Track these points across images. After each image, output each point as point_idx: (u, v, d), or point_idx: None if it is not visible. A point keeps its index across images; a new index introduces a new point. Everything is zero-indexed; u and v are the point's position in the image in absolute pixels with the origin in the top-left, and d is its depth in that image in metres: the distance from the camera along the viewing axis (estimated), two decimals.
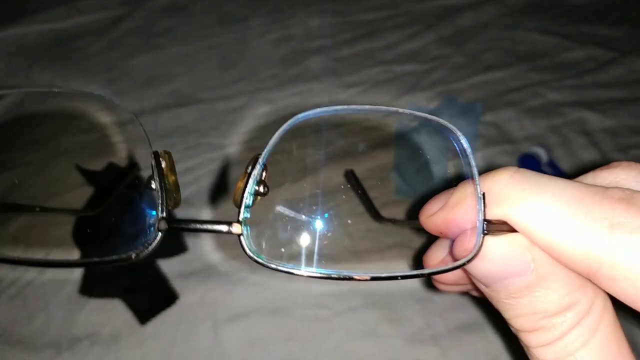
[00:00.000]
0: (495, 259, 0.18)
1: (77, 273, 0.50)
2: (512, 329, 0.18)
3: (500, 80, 0.68)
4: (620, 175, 0.18)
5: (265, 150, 0.19)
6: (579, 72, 0.68)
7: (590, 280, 0.17)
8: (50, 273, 0.51)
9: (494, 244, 0.18)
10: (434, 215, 0.20)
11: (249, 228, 0.19)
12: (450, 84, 0.67)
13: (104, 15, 0.80)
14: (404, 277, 0.18)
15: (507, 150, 0.61)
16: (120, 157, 0.57)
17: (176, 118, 0.66)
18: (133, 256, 0.18)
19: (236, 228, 0.18)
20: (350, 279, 0.18)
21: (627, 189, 0.16)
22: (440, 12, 0.78)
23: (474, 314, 0.45)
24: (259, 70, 0.71)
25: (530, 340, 0.18)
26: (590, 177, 0.19)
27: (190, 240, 0.52)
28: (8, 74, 0.73)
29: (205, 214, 0.55)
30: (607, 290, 0.17)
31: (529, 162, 0.59)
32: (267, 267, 0.18)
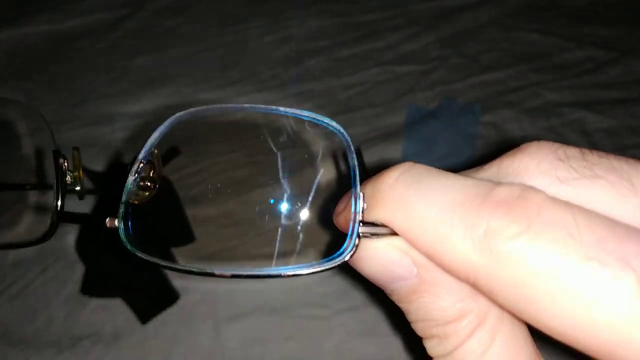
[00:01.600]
0: (373, 262, 0.17)
1: (79, 273, 0.50)
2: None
3: (499, 81, 0.68)
4: (523, 162, 0.17)
5: (144, 149, 0.20)
6: (578, 73, 0.68)
7: None
8: (52, 272, 0.51)
9: (372, 246, 0.17)
10: (339, 215, 0.20)
11: (129, 222, 0.20)
12: (449, 84, 0.68)
13: (105, 16, 0.80)
14: (267, 276, 0.18)
15: (506, 150, 0.61)
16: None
17: None
18: (33, 241, 0.21)
19: (111, 222, 0.19)
20: (212, 275, 0.18)
21: (519, 184, 0.15)
22: (439, 13, 0.78)
23: None
24: (260, 70, 0.72)
25: (429, 349, 0.17)
26: (495, 165, 0.18)
27: (195, 232, 0.52)
28: (9, 75, 0.73)
29: (212, 211, 0.55)
30: (489, 300, 0.16)
31: None
32: (138, 257, 0.19)
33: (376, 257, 0.17)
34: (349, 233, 0.18)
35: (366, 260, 0.18)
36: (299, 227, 0.25)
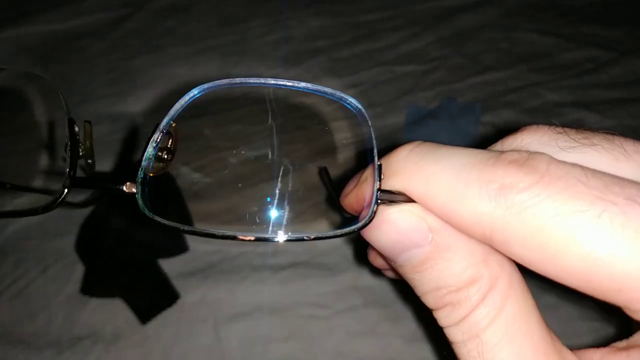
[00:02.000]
0: (390, 228, 0.18)
1: (79, 272, 0.50)
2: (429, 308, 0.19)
3: (499, 81, 0.68)
4: (525, 139, 0.19)
5: (166, 119, 0.20)
6: (578, 73, 0.68)
7: (493, 252, 0.17)
8: (52, 272, 0.51)
9: (389, 212, 0.18)
10: (348, 195, 0.20)
11: (146, 189, 0.20)
12: (449, 84, 0.68)
13: (105, 16, 0.80)
14: (292, 240, 0.19)
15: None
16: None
17: None
18: (40, 209, 0.20)
19: (129, 186, 0.19)
20: (234, 238, 0.18)
21: (526, 151, 0.16)
22: (439, 13, 0.78)
23: None
24: (260, 71, 0.71)
25: (440, 319, 0.18)
26: (498, 145, 0.20)
27: (191, 240, 0.52)
28: None
29: (217, 207, 0.55)
30: (505, 254, 0.16)
31: None
32: (157, 222, 0.19)
33: (392, 223, 0.18)
34: (367, 201, 0.18)
35: (383, 227, 0.18)
36: (301, 218, 0.25)
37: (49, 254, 0.52)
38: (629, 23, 0.75)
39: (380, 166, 0.18)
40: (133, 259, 0.50)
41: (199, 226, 0.20)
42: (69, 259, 0.52)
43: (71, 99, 0.70)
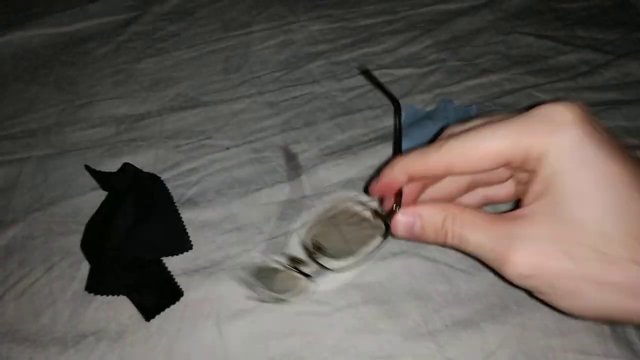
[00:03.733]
0: (398, 226, 0.30)
1: (84, 270, 0.51)
2: None
3: (495, 84, 0.69)
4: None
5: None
6: (573, 75, 0.70)
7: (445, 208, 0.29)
8: (57, 270, 0.52)
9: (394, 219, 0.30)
10: (375, 188, 0.32)
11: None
12: (446, 87, 0.69)
13: (110, 19, 0.82)
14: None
15: None
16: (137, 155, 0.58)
17: (181, 120, 0.67)
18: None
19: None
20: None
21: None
22: (437, 17, 0.80)
23: (471, 310, 0.46)
24: (262, 74, 0.73)
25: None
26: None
27: (193, 239, 0.53)
28: (14, 77, 0.74)
29: (210, 213, 0.56)
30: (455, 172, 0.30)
31: None
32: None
33: (397, 221, 0.30)
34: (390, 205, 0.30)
35: (397, 227, 0.30)
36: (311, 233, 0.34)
37: (54, 253, 0.53)
38: (624, 26, 0.76)
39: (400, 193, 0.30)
40: (137, 257, 0.51)
41: None
42: (74, 258, 0.53)
43: (77, 101, 0.71)
